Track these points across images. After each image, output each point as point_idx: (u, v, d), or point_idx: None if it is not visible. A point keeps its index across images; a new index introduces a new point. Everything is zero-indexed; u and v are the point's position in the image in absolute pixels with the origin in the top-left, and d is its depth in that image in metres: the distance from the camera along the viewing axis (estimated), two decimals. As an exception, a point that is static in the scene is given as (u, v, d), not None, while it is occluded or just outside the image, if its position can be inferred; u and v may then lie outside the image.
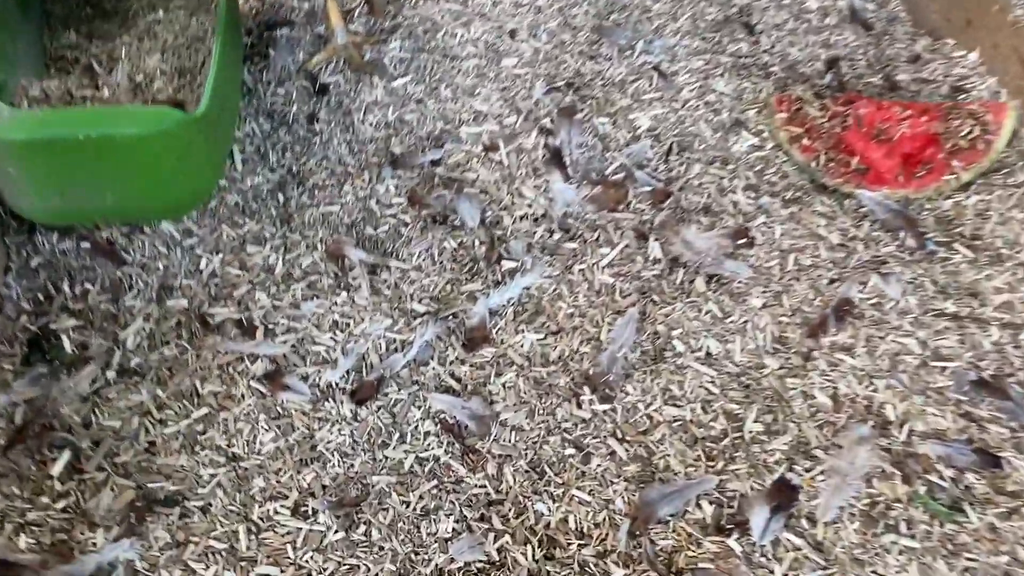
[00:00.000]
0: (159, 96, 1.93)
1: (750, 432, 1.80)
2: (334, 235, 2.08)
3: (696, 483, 1.71)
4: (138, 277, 1.98)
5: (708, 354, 1.91)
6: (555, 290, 2.00)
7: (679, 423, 1.82)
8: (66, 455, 1.72)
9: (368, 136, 2.26)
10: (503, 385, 1.86)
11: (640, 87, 2.37)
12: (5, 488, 1.67)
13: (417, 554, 1.65)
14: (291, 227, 2.09)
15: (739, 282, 2.02)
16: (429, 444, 1.78)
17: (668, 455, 1.77)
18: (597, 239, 2.08)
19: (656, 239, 2.08)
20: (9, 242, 1.98)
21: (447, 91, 2.34)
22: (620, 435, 1.80)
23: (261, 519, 1.68)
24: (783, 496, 1.70)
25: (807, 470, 1.75)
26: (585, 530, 1.68)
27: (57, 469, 1.70)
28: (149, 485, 1.70)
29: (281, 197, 2.14)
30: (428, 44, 2.49)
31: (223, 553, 1.64)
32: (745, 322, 1.96)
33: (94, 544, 1.63)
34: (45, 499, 1.67)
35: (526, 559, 1.63)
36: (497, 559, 1.65)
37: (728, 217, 2.13)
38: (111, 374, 1.84)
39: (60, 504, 1.67)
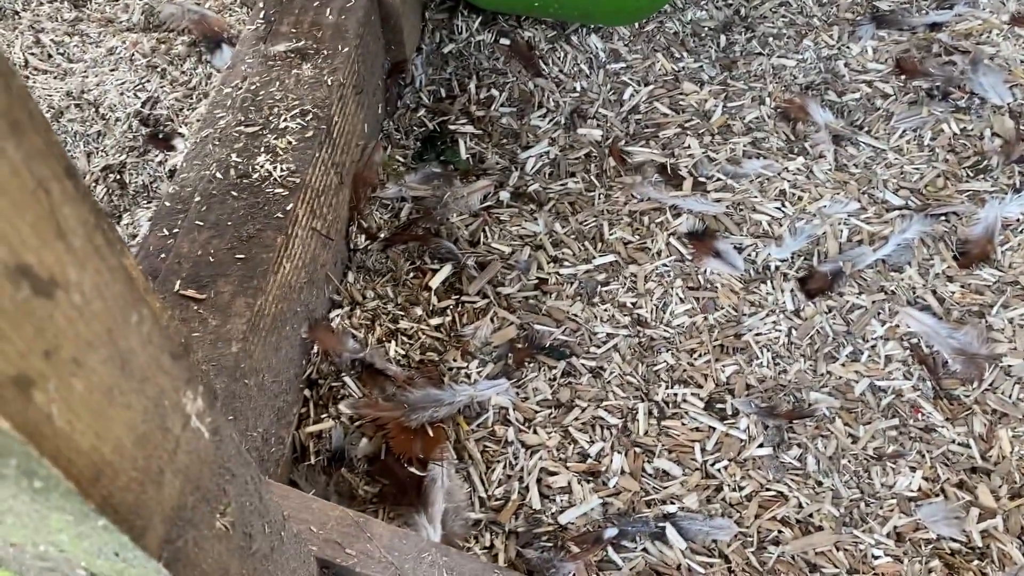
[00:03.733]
0: None
1: None
2: (787, 92, 1.63)
3: None
4: (550, 95, 1.66)
5: None
6: (1100, 215, 1.44)
7: None
8: (447, 269, 1.44)
9: (845, -15, 1.78)
10: (1009, 321, 1.35)
11: None
12: (380, 287, 1.42)
13: (868, 504, 1.21)
14: (733, 74, 1.68)
15: None
16: (891, 372, 1.32)
17: None
18: None
19: None
20: (428, 18, 1.72)
21: (962, -56, 1.80)
22: None
23: (666, 403, 1.31)
24: None
25: None
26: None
27: (436, 282, 1.43)
28: (535, 327, 1.39)
29: (723, 39, 1.73)
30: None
31: (614, 430, 1.29)
32: None
33: (467, 376, 1.34)
34: (419, 311, 1.40)
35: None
36: (980, 546, 1.17)
37: None
38: (504, 195, 1.54)
39: (435, 321, 1.40)
